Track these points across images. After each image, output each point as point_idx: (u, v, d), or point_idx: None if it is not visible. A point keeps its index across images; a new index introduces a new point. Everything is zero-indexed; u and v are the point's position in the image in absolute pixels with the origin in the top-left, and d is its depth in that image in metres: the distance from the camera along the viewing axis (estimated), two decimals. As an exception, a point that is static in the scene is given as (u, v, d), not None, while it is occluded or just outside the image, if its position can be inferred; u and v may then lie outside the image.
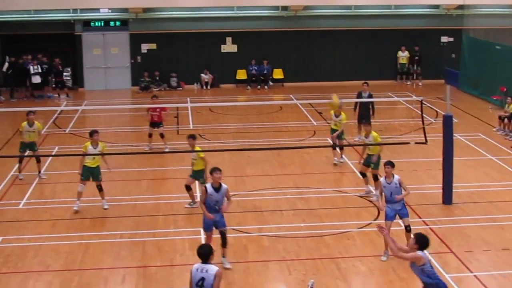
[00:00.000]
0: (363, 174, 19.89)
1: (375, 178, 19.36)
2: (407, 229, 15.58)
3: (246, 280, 14.50)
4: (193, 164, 18.62)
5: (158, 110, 24.69)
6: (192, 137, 18.73)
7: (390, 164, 15.90)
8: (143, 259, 15.64)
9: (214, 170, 14.94)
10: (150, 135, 24.85)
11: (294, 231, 17.14)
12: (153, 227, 17.53)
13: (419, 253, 11.45)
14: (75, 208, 18.62)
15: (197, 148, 18.65)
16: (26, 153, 21.82)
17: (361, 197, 19.63)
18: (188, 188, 18.77)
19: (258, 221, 17.88)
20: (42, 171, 21.90)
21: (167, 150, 24.33)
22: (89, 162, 18.76)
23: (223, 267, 14.76)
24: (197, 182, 18.93)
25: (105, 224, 17.63)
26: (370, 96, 25.20)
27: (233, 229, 17.16)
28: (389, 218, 15.44)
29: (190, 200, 18.89)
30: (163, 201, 19.45)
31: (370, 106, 25.14)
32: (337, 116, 22.31)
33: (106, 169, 18.93)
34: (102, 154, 18.75)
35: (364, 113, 25.10)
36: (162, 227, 17.58)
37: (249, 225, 17.56)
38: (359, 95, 25.43)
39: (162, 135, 24.74)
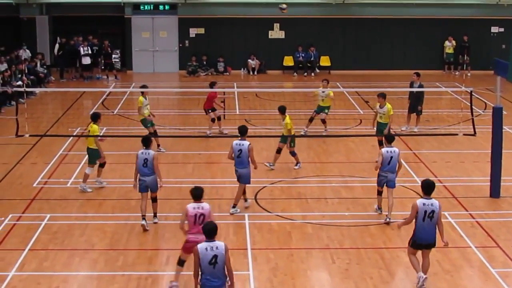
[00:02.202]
0: (380, 143, 21.21)
1: (380, 143, 21.17)
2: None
3: (289, 267, 14.54)
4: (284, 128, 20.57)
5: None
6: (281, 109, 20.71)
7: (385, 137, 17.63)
8: (187, 241, 15.76)
9: None
10: (213, 120, 24.69)
11: (338, 219, 17.13)
12: (198, 211, 17.61)
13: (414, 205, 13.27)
14: (89, 190, 18.98)
15: (287, 118, 20.38)
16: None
17: None
18: (293, 153, 20.84)
19: (302, 208, 17.90)
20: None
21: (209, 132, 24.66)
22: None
23: None
24: None
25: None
26: (420, 86, 25.03)
27: (277, 215, 17.24)
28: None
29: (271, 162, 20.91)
30: (208, 185, 19.43)
31: (420, 97, 25.00)
32: (381, 107, 22.01)
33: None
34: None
35: (415, 103, 25.01)
36: (206, 211, 17.65)
37: (293, 212, 17.60)
38: (411, 86, 25.28)
39: (217, 119, 24.99)
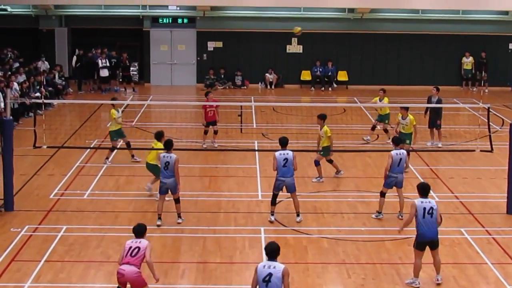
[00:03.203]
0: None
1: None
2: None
3: (305, 281, 14.51)
4: (320, 141, 21.01)
5: (214, 106, 24.56)
6: (321, 117, 20.89)
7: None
8: (203, 254, 15.77)
9: None
10: (206, 132, 24.79)
11: (355, 234, 17.09)
12: (214, 224, 17.65)
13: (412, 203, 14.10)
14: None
15: (326, 128, 20.60)
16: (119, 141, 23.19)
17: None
18: (317, 163, 21.06)
19: (319, 222, 17.88)
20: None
21: (216, 145, 24.64)
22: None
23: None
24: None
25: (167, 218, 17.77)
26: (438, 101, 25.01)
27: (293, 229, 17.24)
28: None
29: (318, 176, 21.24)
30: (224, 199, 19.58)
31: (439, 111, 24.97)
32: (404, 119, 22.21)
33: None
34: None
35: (434, 118, 24.98)
36: (222, 224, 17.69)
37: (309, 226, 17.57)
38: (429, 100, 25.31)
39: (216, 132, 24.77)
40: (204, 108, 24.62)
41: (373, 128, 25.98)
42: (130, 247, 12.61)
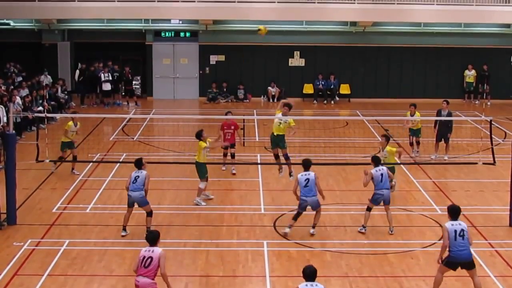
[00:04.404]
0: None
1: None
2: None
3: (307, 294, 14.48)
4: (277, 128, 21.28)
5: (232, 128, 23.46)
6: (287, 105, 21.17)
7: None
8: (206, 268, 15.75)
9: None
10: (225, 155, 23.67)
11: (357, 247, 17.07)
12: (217, 237, 17.62)
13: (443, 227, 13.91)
14: (203, 204, 20.02)
15: (290, 119, 20.80)
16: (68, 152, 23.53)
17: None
18: (277, 156, 21.64)
19: (321, 236, 17.83)
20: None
21: (234, 171, 23.45)
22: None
23: None
24: None
25: (170, 232, 17.78)
26: (449, 114, 25.04)
27: (296, 243, 17.21)
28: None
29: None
30: (227, 212, 19.57)
31: (449, 125, 24.98)
32: (382, 150, 20.95)
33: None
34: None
35: (443, 131, 24.98)
36: (225, 238, 17.67)
37: (312, 239, 17.54)
38: (439, 113, 25.31)
39: (233, 156, 23.51)
40: (222, 129, 23.46)
41: (412, 144, 25.71)
42: (144, 257, 12.76)
